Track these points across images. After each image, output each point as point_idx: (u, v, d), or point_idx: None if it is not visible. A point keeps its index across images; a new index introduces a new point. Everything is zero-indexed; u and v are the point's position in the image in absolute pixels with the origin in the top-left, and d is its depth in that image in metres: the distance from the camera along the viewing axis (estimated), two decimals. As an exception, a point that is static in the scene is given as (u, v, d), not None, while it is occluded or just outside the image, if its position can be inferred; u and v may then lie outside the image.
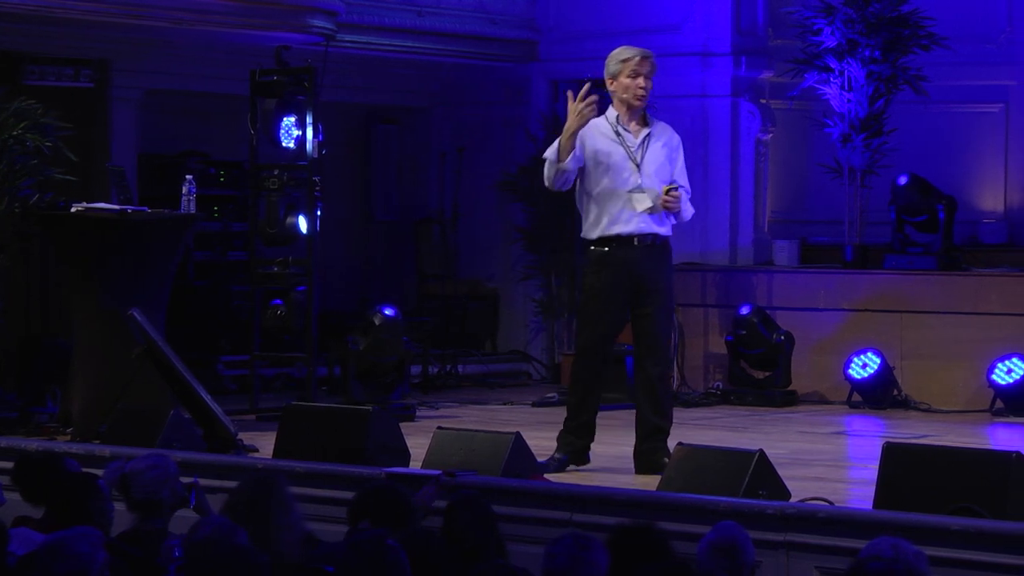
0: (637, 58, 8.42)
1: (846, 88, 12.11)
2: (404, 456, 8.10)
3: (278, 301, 11.00)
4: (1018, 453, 6.60)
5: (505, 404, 11.81)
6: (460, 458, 7.69)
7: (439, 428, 8.11)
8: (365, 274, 14.34)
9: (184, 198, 9.91)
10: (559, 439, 8.49)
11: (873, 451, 7.24)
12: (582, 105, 8.27)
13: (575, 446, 8.43)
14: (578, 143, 8.36)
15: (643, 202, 8.41)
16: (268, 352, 11.50)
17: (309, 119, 10.90)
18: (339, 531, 5.88)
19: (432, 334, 13.04)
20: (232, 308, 12.25)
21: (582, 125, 8.31)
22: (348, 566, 4.68)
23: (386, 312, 11.16)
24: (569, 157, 8.33)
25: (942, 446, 7.79)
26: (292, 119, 10.98)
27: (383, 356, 11.05)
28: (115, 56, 12.03)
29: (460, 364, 13.14)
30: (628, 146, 8.42)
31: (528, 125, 13.77)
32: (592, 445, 8.53)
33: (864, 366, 11.38)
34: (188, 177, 10.01)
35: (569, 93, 8.40)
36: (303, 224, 10.97)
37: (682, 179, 8.56)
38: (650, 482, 7.70)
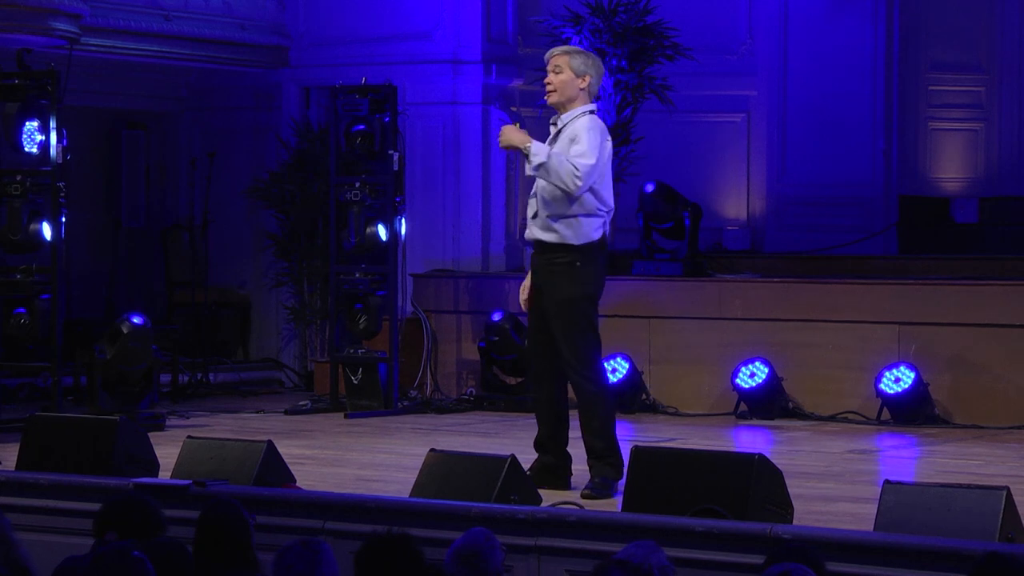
0: (548, 57, 8.16)
1: (594, 97, 12.29)
2: (153, 466, 7.99)
3: (21, 310, 10.74)
4: (760, 455, 6.76)
5: (257, 412, 11.70)
6: (211, 467, 7.61)
7: (189, 437, 8.01)
8: (112, 282, 14.08)
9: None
10: None
11: (622, 455, 7.36)
12: None
13: (538, 464, 8.00)
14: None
15: (532, 207, 8.09)
16: (11, 362, 11.22)
17: (53, 124, 10.66)
18: (85, 544, 5.77)
19: (182, 342, 12.87)
20: (-28, 317, 11.91)
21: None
22: (93, 579, 4.60)
23: (134, 320, 10.98)
24: None
25: (688, 449, 7.93)
26: (35, 124, 10.72)
27: (131, 365, 10.87)
28: None
29: (211, 372, 12.98)
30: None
31: (279, 131, 13.68)
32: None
33: (613, 371, 11.53)
34: (-75, 183, 9.73)
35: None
36: (47, 231, 10.72)
37: (570, 150, 7.84)
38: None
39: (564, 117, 8.03)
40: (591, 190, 7.89)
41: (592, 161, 7.85)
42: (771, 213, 13.28)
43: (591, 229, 7.91)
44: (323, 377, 12.39)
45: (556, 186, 7.87)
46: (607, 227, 8.04)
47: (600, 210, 7.94)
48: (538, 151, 7.88)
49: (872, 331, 11.09)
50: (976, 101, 13.24)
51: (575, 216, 7.91)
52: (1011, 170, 13.11)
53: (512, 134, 8.02)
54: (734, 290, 11.70)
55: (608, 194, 7.99)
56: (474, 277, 12.72)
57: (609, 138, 8.09)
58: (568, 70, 8.02)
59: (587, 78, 8.02)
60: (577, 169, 7.81)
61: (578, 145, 7.88)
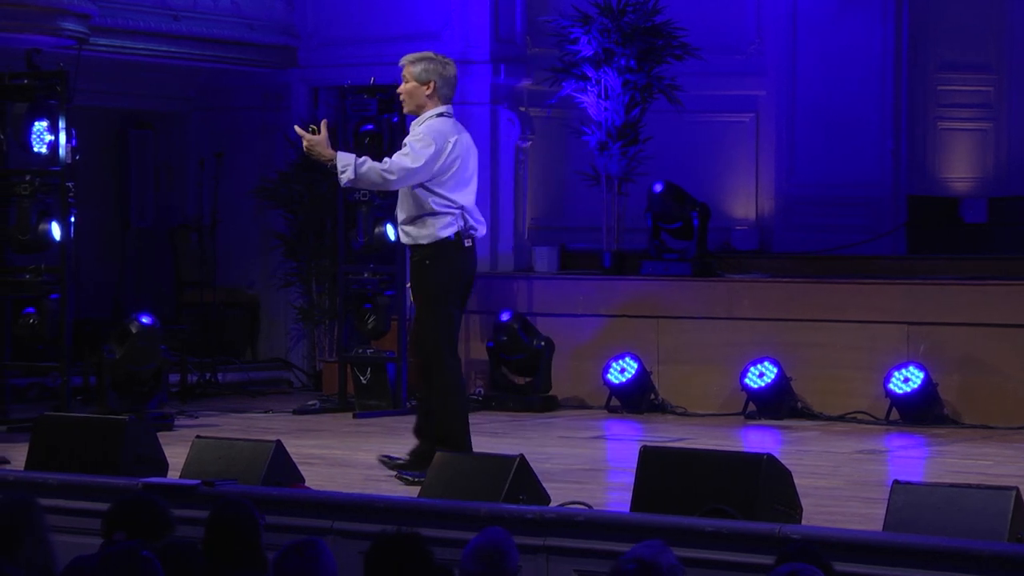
0: None
1: (603, 97, 12.29)
2: (162, 466, 7.99)
3: (31, 309, 10.76)
4: (769, 455, 6.76)
5: (266, 412, 11.71)
6: (220, 467, 7.62)
7: (198, 437, 8.02)
8: (121, 282, 14.10)
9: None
10: None
11: (631, 455, 7.35)
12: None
13: (416, 450, 8.39)
14: None
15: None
16: (20, 361, 11.23)
17: (62, 124, 10.66)
18: (94, 544, 5.77)
19: (190, 342, 12.87)
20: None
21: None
22: (102, 579, 4.60)
23: (143, 320, 10.99)
24: None
25: (697, 449, 7.93)
26: (44, 124, 10.73)
27: (140, 365, 10.88)
28: None
29: (220, 372, 12.99)
30: None
31: (288, 131, 13.66)
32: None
33: (622, 371, 11.55)
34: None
35: None
36: (56, 231, 10.73)
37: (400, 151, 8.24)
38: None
39: (415, 123, 8.34)
40: (430, 190, 8.18)
41: (411, 164, 8.13)
42: (780, 213, 13.27)
43: (438, 228, 8.21)
44: (331, 377, 12.39)
45: (377, 189, 8.37)
46: (464, 222, 8.24)
47: (448, 208, 8.20)
48: (344, 167, 8.20)
49: (881, 331, 11.08)
50: (985, 101, 13.22)
51: (420, 217, 8.23)
52: (1020, 170, 13.08)
53: (317, 148, 8.28)
54: (743, 290, 11.70)
55: (457, 193, 8.24)
56: (482, 277, 12.63)
57: (456, 137, 8.25)
58: (411, 79, 8.36)
59: (431, 83, 8.32)
60: (389, 168, 8.14)
61: (403, 147, 8.22)
